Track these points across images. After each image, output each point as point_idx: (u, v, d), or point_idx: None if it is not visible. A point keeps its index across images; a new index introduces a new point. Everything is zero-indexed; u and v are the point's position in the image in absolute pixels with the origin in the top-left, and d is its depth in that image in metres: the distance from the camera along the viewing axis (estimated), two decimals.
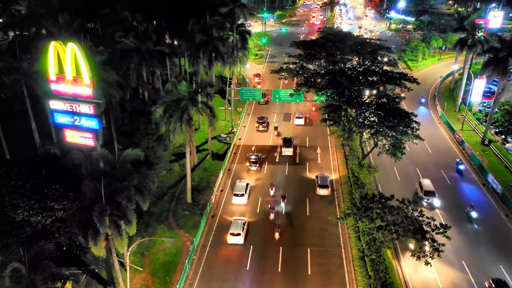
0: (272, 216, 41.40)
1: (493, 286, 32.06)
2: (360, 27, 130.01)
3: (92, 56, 39.34)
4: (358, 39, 66.00)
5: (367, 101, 46.56)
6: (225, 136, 58.92)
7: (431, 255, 30.74)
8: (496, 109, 60.91)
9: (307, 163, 52.26)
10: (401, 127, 42.40)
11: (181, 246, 37.97)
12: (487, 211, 42.82)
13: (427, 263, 30.90)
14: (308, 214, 42.34)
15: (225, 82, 72.43)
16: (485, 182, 48.20)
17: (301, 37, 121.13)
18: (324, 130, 60.11)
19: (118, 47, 52.66)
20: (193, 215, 42.33)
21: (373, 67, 53.13)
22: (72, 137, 37.29)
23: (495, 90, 62.56)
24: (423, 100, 73.25)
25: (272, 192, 45.12)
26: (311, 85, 51.74)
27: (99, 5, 62.02)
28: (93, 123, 35.57)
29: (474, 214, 41.30)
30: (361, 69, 52.78)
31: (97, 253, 28.37)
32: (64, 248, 33.56)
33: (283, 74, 56.46)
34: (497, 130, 62.30)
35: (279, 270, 34.92)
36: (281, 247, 37.44)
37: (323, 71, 54.47)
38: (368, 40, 66.84)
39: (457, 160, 52.17)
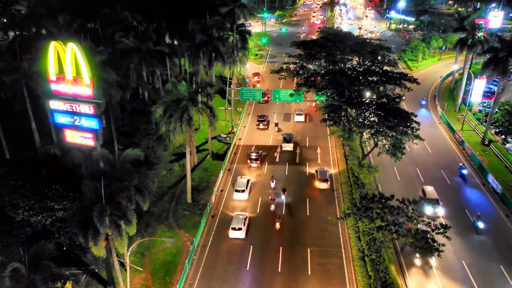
0: (272, 207, 42.80)
1: None
2: (360, 28, 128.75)
3: (92, 56, 39.33)
4: (358, 39, 66.04)
5: (367, 101, 46.55)
6: (225, 136, 58.93)
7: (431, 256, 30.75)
8: (496, 109, 60.91)
9: (307, 163, 52.27)
10: (401, 127, 42.40)
11: (181, 246, 37.97)
12: (494, 221, 41.07)
13: (427, 262, 30.91)
14: (308, 214, 42.34)
15: (225, 82, 72.44)
16: (485, 182, 48.18)
17: (302, 37, 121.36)
18: (324, 130, 60.11)
19: (118, 47, 52.66)
20: (193, 215, 42.33)
21: (373, 67, 53.15)
22: (72, 137, 37.30)
23: (495, 90, 62.56)
24: (423, 102, 72.48)
25: (272, 185, 46.45)
26: (311, 85, 51.79)
27: (99, 5, 61.99)
28: (93, 123, 35.57)
29: (481, 225, 39.24)
30: (361, 69, 52.79)
31: (97, 253, 28.37)
32: (64, 248, 33.56)
33: (283, 74, 56.50)
34: (497, 130, 62.30)
35: (279, 270, 34.92)
36: (281, 247, 37.46)
37: (323, 71, 54.50)
38: (368, 40, 66.89)
39: (460, 164, 50.96)
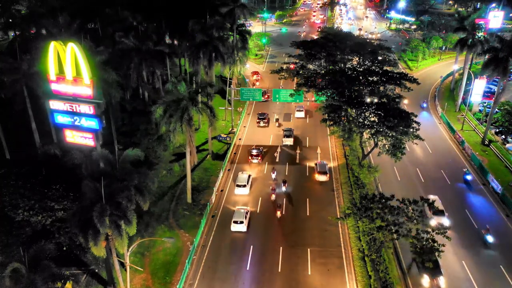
0: (273, 196, 44.56)
1: None
2: (360, 29, 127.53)
3: (92, 56, 39.30)
4: (358, 39, 66.08)
5: (367, 101, 46.53)
6: (225, 136, 58.92)
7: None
8: (496, 109, 60.90)
9: (307, 163, 52.26)
10: (401, 127, 42.38)
11: (181, 246, 37.96)
12: (503, 234, 39.11)
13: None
14: (308, 214, 42.34)
15: (225, 82, 72.43)
16: (485, 183, 48.17)
17: (302, 35, 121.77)
18: (324, 130, 60.14)
19: (118, 47, 52.62)
20: (193, 215, 42.33)
21: (373, 67, 53.14)
22: (72, 137, 37.27)
23: (495, 90, 62.55)
24: (424, 105, 71.35)
25: (273, 176, 48.45)
26: (311, 85, 51.80)
27: (99, 5, 61.99)
28: (93, 123, 35.54)
29: (490, 239, 37.27)
30: (361, 69, 52.78)
31: (97, 253, 28.37)
32: (64, 248, 33.56)
33: (283, 74, 56.51)
34: (497, 130, 62.31)
35: (279, 270, 34.91)
36: (281, 247, 37.45)
37: (323, 71, 54.51)
38: (368, 41, 66.89)
39: (464, 169, 49.70)
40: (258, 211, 42.93)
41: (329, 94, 48.20)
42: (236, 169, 50.87)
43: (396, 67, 65.82)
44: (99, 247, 27.82)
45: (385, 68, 53.72)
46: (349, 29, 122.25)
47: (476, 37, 69.59)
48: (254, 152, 52.22)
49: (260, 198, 44.95)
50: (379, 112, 43.70)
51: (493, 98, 60.31)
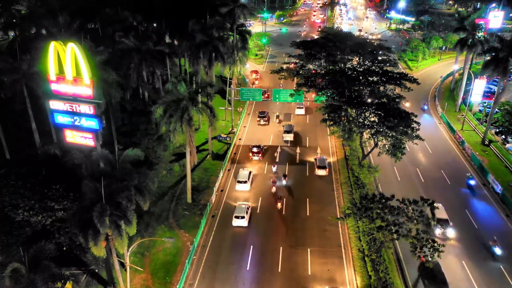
0: (274, 189, 46.02)
1: None
2: (360, 30, 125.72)
3: (92, 56, 39.31)
4: (358, 39, 66.07)
5: (367, 101, 46.52)
6: (225, 136, 58.92)
7: (431, 256, 30.69)
8: (496, 109, 60.90)
9: (307, 163, 52.26)
10: (401, 127, 42.38)
11: (181, 246, 37.96)
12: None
13: (427, 261, 30.87)
14: (308, 214, 42.34)
15: (225, 82, 72.44)
16: (485, 183, 48.17)
17: (303, 35, 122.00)
18: (325, 129, 60.17)
19: (118, 47, 52.63)
20: (193, 215, 42.32)
21: (373, 67, 53.13)
22: (72, 137, 37.27)
23: (495, 90, 62.55)
24: (425, 108, 70.48)
25: (274, 169, 49.92)
26: (311, 85, 51.80)
27: (99, 5, 61.99)
28: (93, 123, 35.55)
29: (498, 251, 35.65)
30: (361, 69, 52.77)
31: (97, 253, 28.36)
32: (64, 248, 33.55)
33: (283, 74, 56.52)
34: (497, 130, 62.30)
35: (279, 270, 34.91)
36: (281, 247, 37.45)
37: (323, 71, 54.51)
38: (368, 41, 66.87)
39: (467, 174, 48.42)
40: (258, 211, 42.92)
41: (329, 94, 48.20)
42: (236, 169, 50.85)
43: (396, 67, 65.78)
44: (99, 247, 27.81)
45: (385, 68, 53.72)
46: (349, 29, 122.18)
47: (476, 37, 69.58)
48: (255, 149, 53.15)
49: (260, 198, 44.96)
50: (379, 112, 43.70)
51: (493, 98, 60.31)
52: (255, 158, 52.89)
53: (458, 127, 62.20)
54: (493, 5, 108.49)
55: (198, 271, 35.00)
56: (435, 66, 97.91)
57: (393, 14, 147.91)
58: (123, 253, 30.36)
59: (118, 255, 32.06)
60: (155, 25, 67.75)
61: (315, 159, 51.20)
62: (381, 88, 48.24)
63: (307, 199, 44.59)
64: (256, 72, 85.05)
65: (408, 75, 49.43)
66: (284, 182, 47.42)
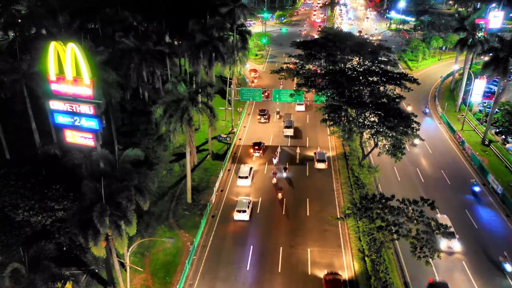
0: (274, 180, 47.84)
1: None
2: (360, 32, 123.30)
3: (92, 56, 39.31)
4: (358, 39, 66.07)
5: (367, 101, 46.51)
6: (225, 136, 58.92)
7: (431, 256, 30.66)
8: (496, 109, 60.89)
9: (307, 163, 52.27)
10: (401, 128, 42.38)
11: (181, 246, 37.95)
12: None
13: (427, 263, 30.84)
14: (308, 214, 42.33)
15: (225, 82, 72.45)
16: (485, 183, 48.16)
17: (303, 34, 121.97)
18: (325, 129, 60.19)
19: (118, 47, 52.62)
20: (193, 215, 42.32)
21: (373, 67, 53.12)
22: (72, 137, 37.27)
23: (495, 90, 62.54)
24: (427, 111, 69.55)
25: (275, 161, 51.62)
26: (311, 85, 51.80)
27: (99, 5, 61.98)
28: (93, 123, 35.54)
29: (509, 267, 33.60)
30: (361, 69, 52.77)
31: (97, 254, 28.35)
32: (64, 249, 33.53)
33: (283, 74, 56.53)
34: (497, 130, 62.30)
35: (279, 270, 34.91)
36: (281, 247, 37.44)
37: (323, 71, 54.51)
38: (368, 41, 66.87)
39: (472, 180, 47.34)
40: (258, 211, 42.94)
41: (329, 94, 48.20)
42: (236, 169, 50.87)
43: (396, 67, 65.76)
44: (99, 247, 27.80)
45: (385, 68, 53.72)
46: (349, 29, 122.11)
47: (476, 37, 69.60)
48: (256, 146, 54.29)
49: (260, 198, 44.97)
50: (379, 112, 43.69)
51: (493, 98, 60.31)
52: (256, 154, 53.71)
53: (458, 127, 62.20)
54: (493, 5, 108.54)
55: (198, 271, 35.00)
56: (435, 66, 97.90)
57: (393, 14, 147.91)
58: (123, 253, 30.35)
59: (118, 255, 32.05)
60: (155, 25, 67.65)
61: (315, 153, 52.81)
62: (381, 88, 48.23)
63: (307, 199, 44.59)
64: (255, 70, 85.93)
65: (408, 75, 49.42)
66: (284, 174, 48.97)
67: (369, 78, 48.95)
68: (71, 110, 35.35)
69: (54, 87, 34.94)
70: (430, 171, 50.72)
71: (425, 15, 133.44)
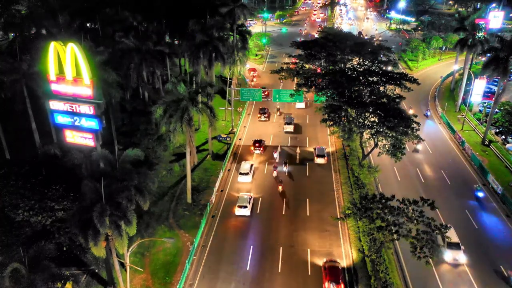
0: (275, 173, 49.36)
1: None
2: (360, 32, 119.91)
3: (92, 56, 39.30)
4: (358, 39, 66.05)
5: (367, 101, 46.49)
6: (225, 136, 58.92)
7: (431, 256, 30.67)
8: (497, 109, 60.88)
9: (307, 163, 52.27)
10: (401, 128, 42.37)
11: (181, 246, 37.95)
12: None
13: (427, 263, 30.84)
14: (308, 214, 42.33)
15: (225, 82, 72.45)
16: (485, 183, 48.14)
17: (304, 33, 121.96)
18: (325, 129, 60.19)
19: (118, 47, 52.62)
20: (193, 215, 42.32)
21: (373, 67, 53.11)
22: (72, 137, 37.26)
23: (496, 90, 62.53)
24: (428, 113, 68.66)
25: (275, 156, 52.84)
26: (311, 85, 51.80)
27: (99, 5, 61.97)
28: (93, 124, 35.53)
29: None
30: (361, 69, 52.76)
31: (97, 254, 28.34)
32: (64, 249, 33.52)
33: (283, 74, 56.53)
34: (497, 130, 62.29)
35: (279, 270, 34.91)
36: (281, 247, 37.45)
37: (323, 71, 54.50)
38: (368, 41, 66.87)
39: (475, 186, 46.48)
40: (258, 212, 42.95)
41: (329, 94, 48.19)
42: (236, 169, 50.88)
43: (396, 67, 65.70)
44: (99, 247, 27.81)
45: (385, 68, 53.71)
46: (349, 29, 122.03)
47: (476, 37, 69.60)
48: (257, 143, 55.21)
49: (261, 198, 44.98)
50: (379, 113, 43.68)
51: (493, 98, 60.30)
52: (257, 151, 54.52)
53: (458, 127, 62.19)
54: (493, 5, 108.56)
55: (198, 271, 35.00)
56: (435, 66, 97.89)
57: (393, 14, 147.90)
58: (123, 253, 30.35)
59: (118, 255, 32.05)
60: (155, 25, 67.67)
61: (315, 149, 54.25)
62: (381, 88, 48.21)
63: (307, 199, 44.58)
64: (254, 70, 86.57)
65: (408, 75, 49.36)
66: (284, 168, 50.17)
67: (369, 78, 48.90)
68: (71, 110, 35.34)
69: (54, 87, 34.93)
70: (430, 171, 50.71)
71: (425, 15, 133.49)
